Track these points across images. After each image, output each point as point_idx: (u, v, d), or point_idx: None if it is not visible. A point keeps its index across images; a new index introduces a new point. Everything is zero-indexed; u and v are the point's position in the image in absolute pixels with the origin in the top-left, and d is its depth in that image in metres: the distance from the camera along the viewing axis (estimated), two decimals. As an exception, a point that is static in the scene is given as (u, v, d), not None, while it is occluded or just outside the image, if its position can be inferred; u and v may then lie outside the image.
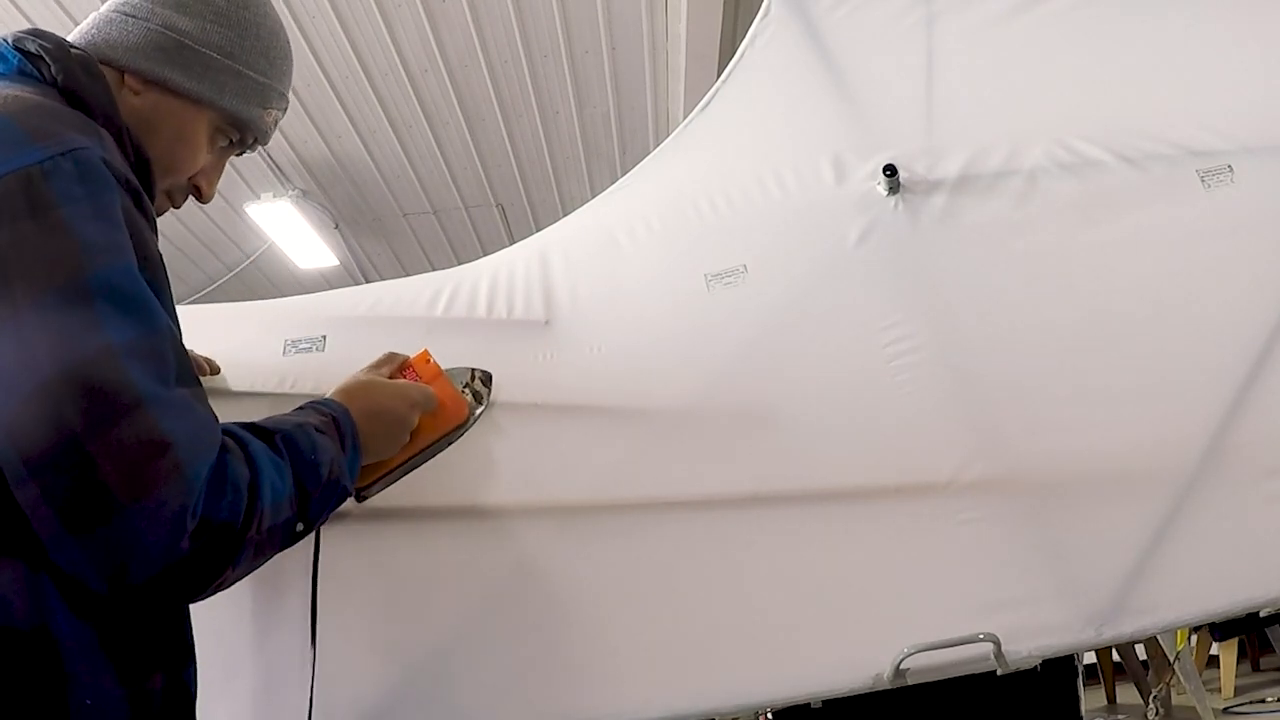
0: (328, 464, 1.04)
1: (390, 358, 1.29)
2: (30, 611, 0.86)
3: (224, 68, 1.14)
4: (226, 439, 0.92)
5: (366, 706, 1.27)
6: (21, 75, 1.03)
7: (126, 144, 1.06)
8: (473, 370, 1.36)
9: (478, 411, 1.34)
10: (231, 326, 1.50)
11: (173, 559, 0.85)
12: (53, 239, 0.87)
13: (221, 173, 1.21)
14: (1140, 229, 1.38)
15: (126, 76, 1.10)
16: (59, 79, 1.03)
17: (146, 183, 1.08)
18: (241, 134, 1.19)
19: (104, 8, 1.15)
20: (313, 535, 1.21)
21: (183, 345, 0.96)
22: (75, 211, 0.88)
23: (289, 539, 1.00)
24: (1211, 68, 1.49)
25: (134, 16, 1.12)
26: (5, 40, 1.06)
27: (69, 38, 1.11)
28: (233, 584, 0.96)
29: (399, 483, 1.31)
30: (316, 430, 1.05)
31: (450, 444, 1.31)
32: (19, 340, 0.83)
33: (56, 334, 0.84)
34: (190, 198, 1.19)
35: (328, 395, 1.17)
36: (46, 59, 1.04)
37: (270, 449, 0.98)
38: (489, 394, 1.36)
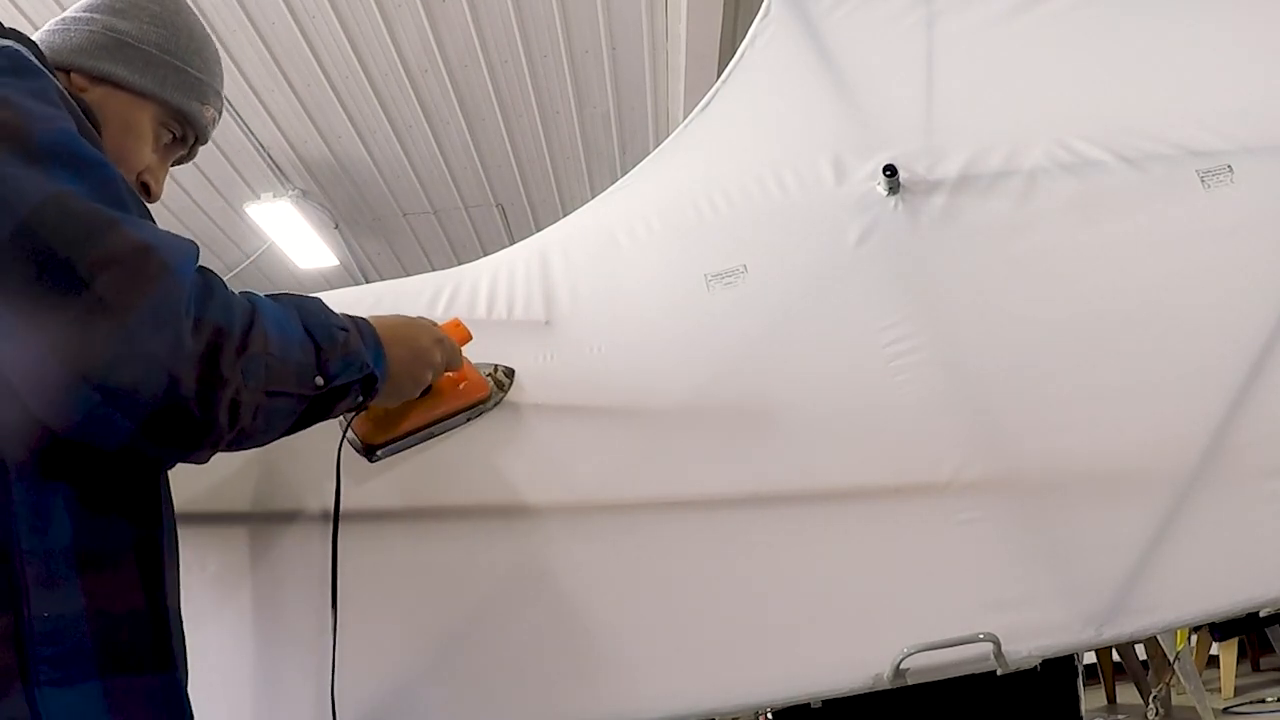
0: (342, 332, 1.07)
1: (420, 318, 1.31)
2: None
3: (163, 63, 1.21)
4: (214, 272, 0.95)
5: (369, 707, 1.27)
6: None
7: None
8: (496, 364, 1.38)
9: (499, 397, 1.35)
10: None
11: (182, 359, 0.86)
12: None
13: (167, 171, 1.27)
14: (1140, 229, 1.38)
15: (73, 75, 1.17)
16: None
17: None
18: (183, 129, 1.25)
19: (49, 22, 1.22)
20: (330, 534, 1.23)
21: (139, 198, 0.98)
22: (11, 90, 0.93)
23: (310, 385, 1.01)
24: (1211, 68, 1.49)
25: (77, 23, 1.20)
26: None
27: None
28: (259, 427, 0.97)
29: (399, 483, 1.31)
30: (328, 312, 1.09)
31: (468, 420, 1.32)
32: None
33: (16, 190, 0.86)
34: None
35: None
36: None
37: (271, 299, 1.02)
38: (510, 385, 1.37)
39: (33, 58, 1.00)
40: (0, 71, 0.95)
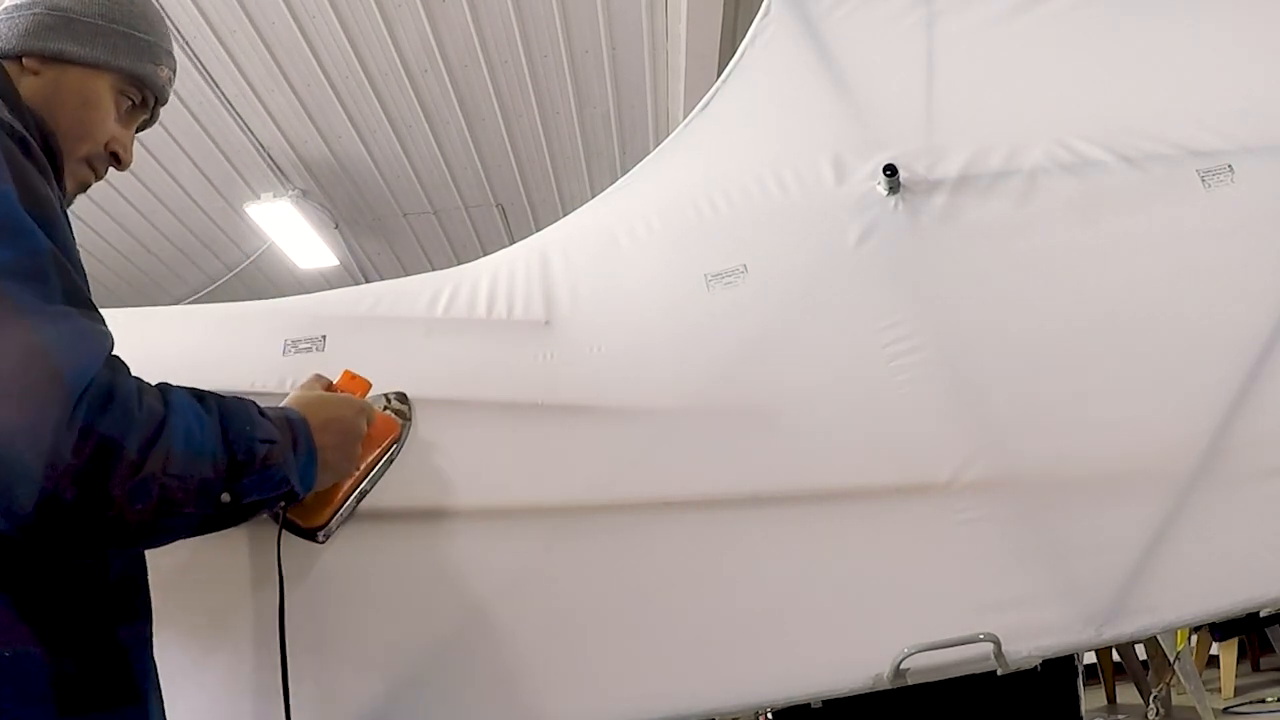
0: (265, 445, 1.02)
1: (317, 379, 1.29)
2: None
3: (111, 31, 1.21)
4: (130, 375, 0.92)
5: (364, 708, 1.27)
6: None
7: (28, 120, 1.09)
8: (386, 395, 1.35)
9: (408, 426, 1.34)
10: (231, 326, 1.50)
11: (58, 474, 0.82)
12: None
13: (133, 138, 1.26)
14: (1140, 229, 1.38)
15: (25, 61, 1.16)
16: None
17: (52, 156, 1.11)
18: (141, 93, 1.24)
19: None
20: (276, 567, 1.21)
21: (72, 270, 0.95)
22: None
23: (211, 505, 0.96)
24: (1212, 68, 1.49)
25: (19, 9, 1.20)
26: None
27: None
28: (148, 542, 0.96)
29: (398, 483, 1.31)
30: (261, 414, 1.05)
31: (390, 463, 1.30)
32: None
33: None
34: (111, 167, 1.23)
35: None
36: None
37: (198, 404, 0.97)
38: (410, 410, 1.35)
39: None
40: None
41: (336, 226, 6.64)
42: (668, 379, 1.38)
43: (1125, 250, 1.38)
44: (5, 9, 1.21)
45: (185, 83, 5.01)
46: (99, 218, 6.11)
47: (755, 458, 1.33)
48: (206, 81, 5.01)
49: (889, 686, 1.24)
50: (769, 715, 1.78)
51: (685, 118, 1.60)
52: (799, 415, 1.34)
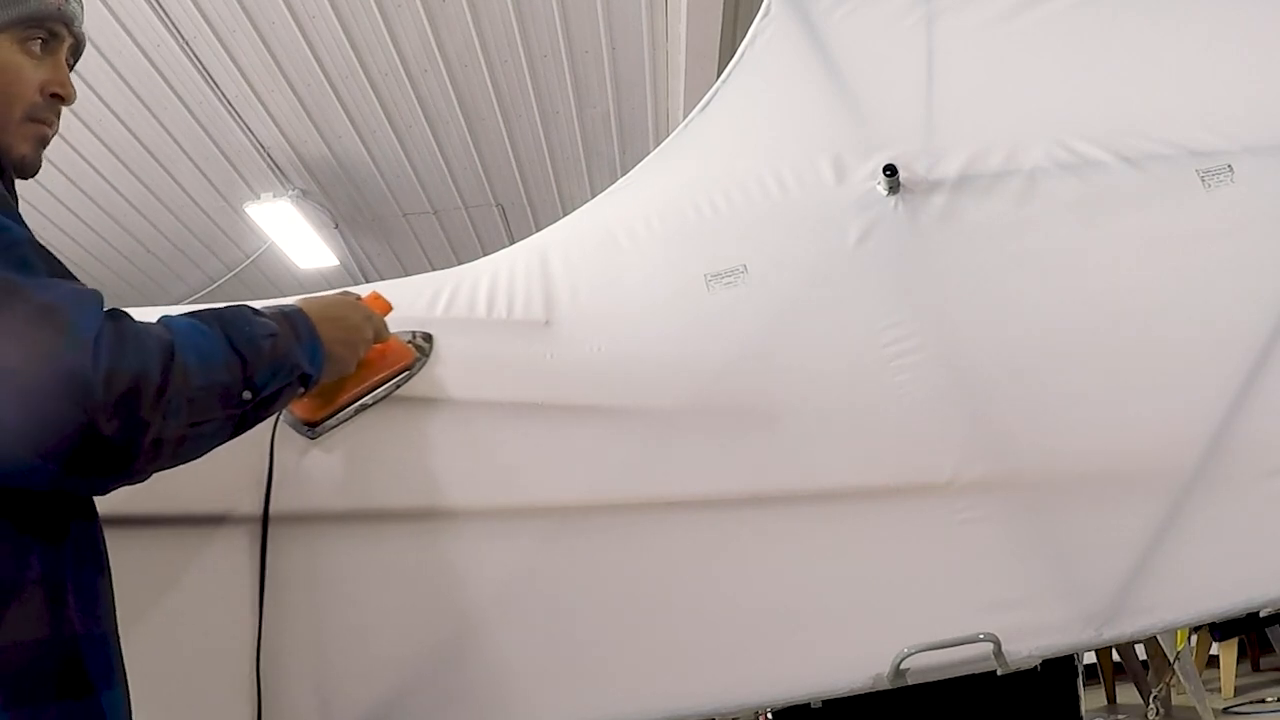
0: (268, 339, 1.08)
1: (343, 292, 1.34)
2: None
3: None
4: (131, 318, 0.96)
5: (364, 708, 1.27)
6: None
7: None
8: (413, 331, 1.41)
9: (422, 361, 1.38)
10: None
11: (95, 412, 0.88)
12: None
13: (66, 71, 1.17)
14: (1140, 229, 1.38)
15: None
16: None
17: None
18: (45, 28, 1.14)
19: None
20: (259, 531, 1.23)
21: (50, 254, 0.98)
22: None
23: (236, 403, 1.03)
24: (1212, 67, 1.49)
25: None
26: None
27: None
28: (188, 453, 0.99)
29: (399, 483, 1.31)
30: (255, 313, 1.10)
31: (396, 388, 1.35)
32: None
33: None
34: (61, 108, 1.16)
35: None
36: None
37: (197, 320, 1.03)
38: (430, 349, 1.40)
39: None
40: None
41: (336, 226, 6.64)
42: (668, 379, 1.38)
43: (1125, 250, 1.38)
44: None
45: (185, 83, 5.01)
46: (99, 218, 6.11)
47: (755, 458, 1.33)
48: (206, 82, 5.01)
49: (889, 686, 1.24)
50: (769, 715, 1.78)
51: (685, 118, 1.60)
52: (799, 415, 1.34)
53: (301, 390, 1.16)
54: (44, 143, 1.15)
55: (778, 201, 1.46)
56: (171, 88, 5.03)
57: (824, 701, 1.31)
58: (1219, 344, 1.32)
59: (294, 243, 6.56)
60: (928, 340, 1.35)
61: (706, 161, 1.55)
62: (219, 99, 5.16)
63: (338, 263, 6.97)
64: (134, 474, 0.96)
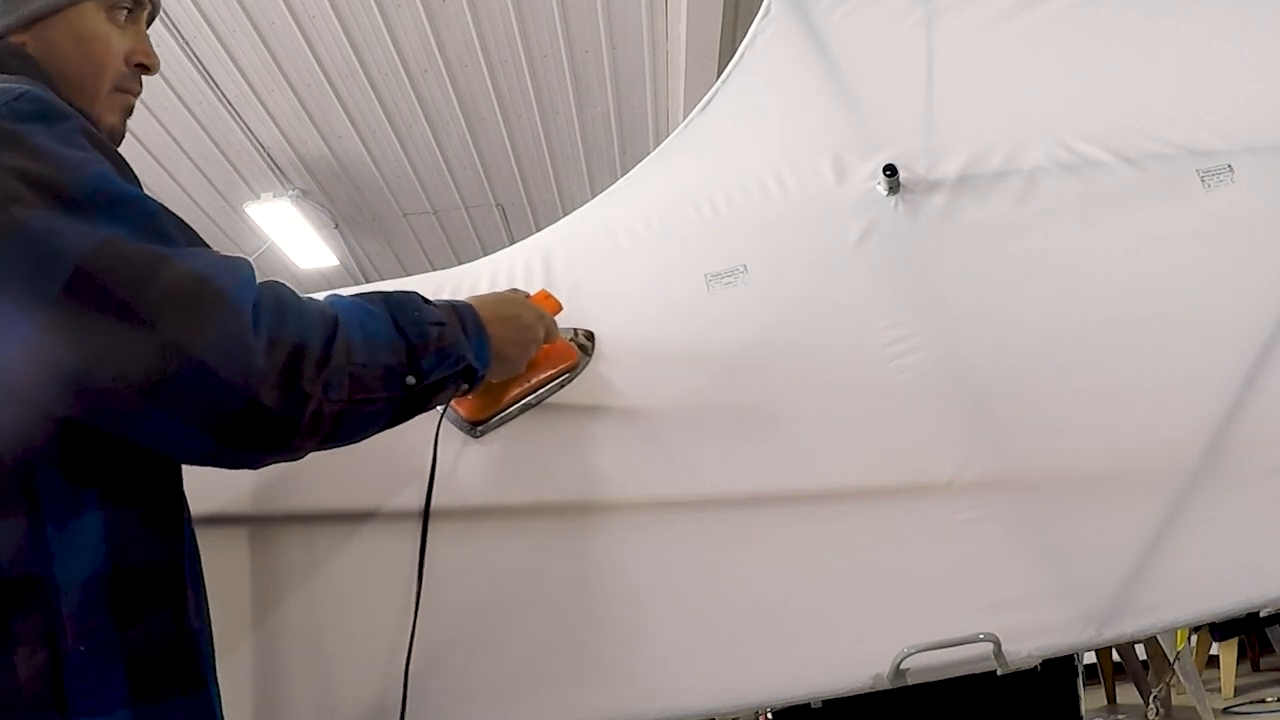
0: (436, 327, 1.06)
1: (514, 290, 1.33)
2: (24, 560, 0.87)
3: None
4: (287, 285, 0.96)
5: (364, 708, 1.27)
6: None
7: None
8: (575, 329, 1.39)
9: (586, 360, 1.37)
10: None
11: (257, 381, 0.86)
12: (33, 164, 0.89)
13: (147, 39, 1.17)
14: (1140, 229, 1.38)
15: (9, 39, 1.08)
16: None
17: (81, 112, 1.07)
18: None
19: None
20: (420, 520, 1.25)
21: (184, 222, 0.97)
22: (42, 139, 0.91)
23: (399, 387, 1.01)
24: (1212, 68, 1.49)
25: None
26: None
27: None
28: (345, 433, 0.98)
29: (398, 483, 1.31)
30: (426, 302, 1.09)
31: (561, 388, 1.34)
32: (34, 252, 0.85)
33: (64, 242, 0.86)
34: (143, 78, 1.17)
35: None
36: None
37: (363, 300, 1.02)
38: (592, 348, 1.39)
39: (53, 95, 0.97)
40: (28, 118, 0.92)
41: (336, 226, 6.64)
42: (668, 379, 1.38)
43: (1125, 250, 1.38)
44: None
45: (185, 83, 5.02)
46: (99, 218, 6.11)
47: (755, 458, 1.33)
48: (206, 81, 5.02)
49: (889, 686, 1.24)
50: (769, 715, 1.78)
51: (685, 118, 1.60)
52: (799, 415, 1.34)
53: (465, 386, 1.14)
54: (129, 112, 1.16)
55: (778, 201, 1.46)
56: (171, 88, 5.04)
57: (824, 701, 1.31)
58: (1219, 344, 1.32)
59: (294, 243, 6.57)
60: (928, 340, 1.35)
61: (706, 161, 1.55)
62: (219, 99, 5.17)
63: (338, 263, 6.98)
64: (292, 449, 0.95)
